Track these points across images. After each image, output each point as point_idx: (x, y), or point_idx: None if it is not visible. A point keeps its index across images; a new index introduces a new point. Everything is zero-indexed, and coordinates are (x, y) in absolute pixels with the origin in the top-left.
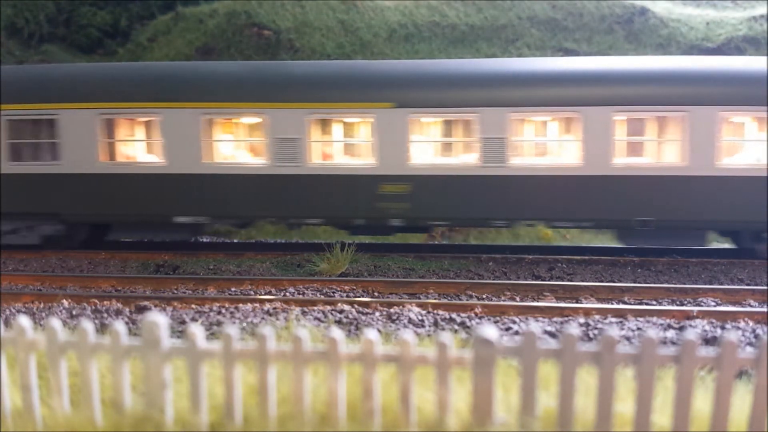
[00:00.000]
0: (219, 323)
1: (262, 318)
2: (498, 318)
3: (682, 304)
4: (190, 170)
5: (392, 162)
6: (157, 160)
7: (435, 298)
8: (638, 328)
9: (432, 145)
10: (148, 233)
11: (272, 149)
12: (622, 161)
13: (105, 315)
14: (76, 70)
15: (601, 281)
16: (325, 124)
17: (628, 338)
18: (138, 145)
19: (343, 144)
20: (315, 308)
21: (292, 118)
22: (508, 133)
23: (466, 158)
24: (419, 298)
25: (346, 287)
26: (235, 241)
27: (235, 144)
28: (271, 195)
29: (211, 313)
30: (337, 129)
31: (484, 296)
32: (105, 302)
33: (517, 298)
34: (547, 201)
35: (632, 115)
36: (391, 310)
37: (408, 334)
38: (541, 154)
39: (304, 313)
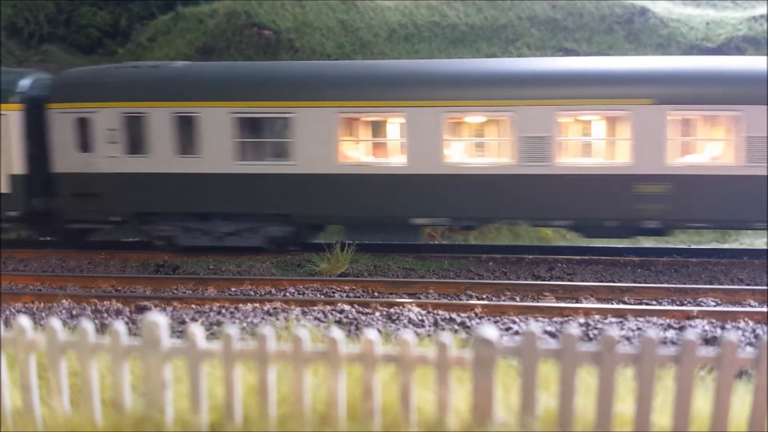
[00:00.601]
0: (219, 323)
1: (262, 318)
2: (498, 318)
3: (682, 304)
4: (431, 170)
5: (649, 161)
6: (398, 160)
7: (435, 298)
8: (638, 328)
9: (692, 143)
10: (379, 235)
11: (518, 148)
12: None
13: (105, 315)
14: (314, 68)
15: (601, 281)
16: (574, 121)
17: (628, 338)
18: (376, 145)
19: (593, 142)
20: (315, 308)
21: (540, 116)
22: None
23: (729, 157)
24: (419, 298)
25: (346, 287)
26: None
27: (479, 143)
28: (516, 196)
29: (211, 313)
30: (588, 126)
31: (484, 296)
32: (105, 302)
33: (517, 298)
34: None
35: None
36: (391, 310)
37: (408, 334)
38: None
39: (304, 313)
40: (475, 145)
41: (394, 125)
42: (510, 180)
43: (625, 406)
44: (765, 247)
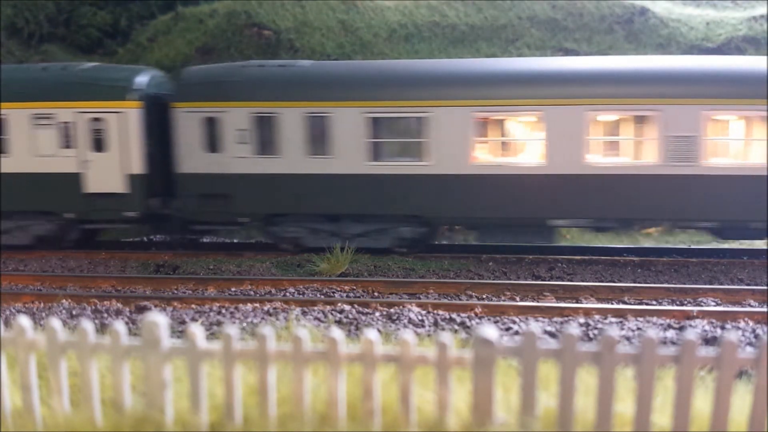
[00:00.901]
0: (219, 323)
1: (262, 318)
2: (498, 318)
3: (682, 304)
4: (571, 171)
5: None
6: (536, 160)
7: (435, 298)
8: (638, 328)
9: None
10: (512, 236)
11: (664, 147)
12: None
13: (105, 315)
14: (449, 67)
15: (601, 281)
16: (720, 120)
17: (628, 338)
18: (513, 145)
19: (738, 142)
20: (315, 308)
21: (687, 114)
22: None
23: None
24: (419, 298)
25: (346, 287)
26: (235, 241)
27: (620, 141)
28: (661, 196)
29: (211, 313)
30: (731, 126)
31: (484, 296)
32: (105, 302)
33: (517, 298)
34: None
35: None
36: (391, 310)
37: (408, 334)
38: None
39: (304, 313)
40: (616, 143)
41: (532, 124)
42: (655, 180)
43: (625, 406)
44: (765, 247)
